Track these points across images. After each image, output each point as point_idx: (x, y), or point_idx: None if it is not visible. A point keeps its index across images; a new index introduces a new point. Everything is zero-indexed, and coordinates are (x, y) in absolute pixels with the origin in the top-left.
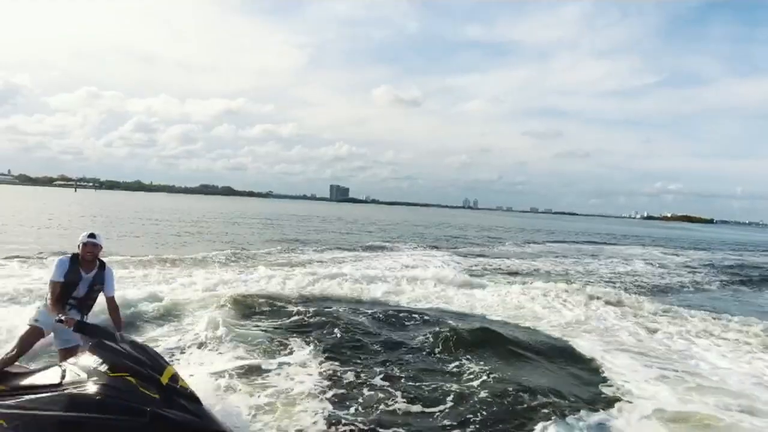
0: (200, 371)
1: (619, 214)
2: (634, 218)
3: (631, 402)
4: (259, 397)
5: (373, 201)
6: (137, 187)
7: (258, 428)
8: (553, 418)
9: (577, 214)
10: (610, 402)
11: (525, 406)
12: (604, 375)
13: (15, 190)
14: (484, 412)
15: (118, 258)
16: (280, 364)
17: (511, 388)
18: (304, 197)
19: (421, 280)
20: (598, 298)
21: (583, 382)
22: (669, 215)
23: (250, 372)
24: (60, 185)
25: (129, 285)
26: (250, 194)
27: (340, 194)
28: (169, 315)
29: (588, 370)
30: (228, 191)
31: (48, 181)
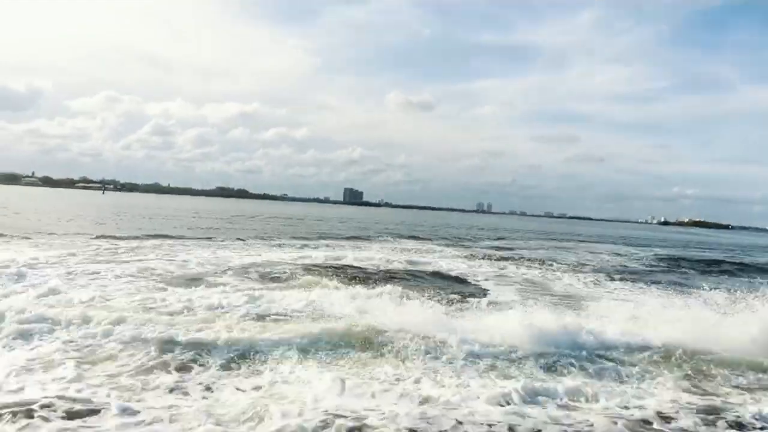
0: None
1: (635, 218)
2: (651, 223)
3: None
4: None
5: (386, 204)
6: (156, 189)
7: None
8: None
9: (593, 219)
10: None
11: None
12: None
13: (45, 192)
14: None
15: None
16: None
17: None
18: (318, 200)
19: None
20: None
21: None
22: (686, 220)
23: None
24: (82, 187)
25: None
26: (264, 197)
27: (353, 197)
28: None
29: None
30: (243, 194)
31: (70, 183)
